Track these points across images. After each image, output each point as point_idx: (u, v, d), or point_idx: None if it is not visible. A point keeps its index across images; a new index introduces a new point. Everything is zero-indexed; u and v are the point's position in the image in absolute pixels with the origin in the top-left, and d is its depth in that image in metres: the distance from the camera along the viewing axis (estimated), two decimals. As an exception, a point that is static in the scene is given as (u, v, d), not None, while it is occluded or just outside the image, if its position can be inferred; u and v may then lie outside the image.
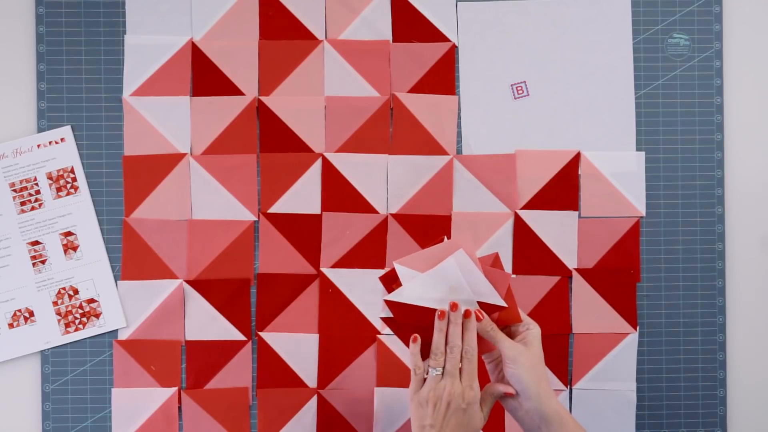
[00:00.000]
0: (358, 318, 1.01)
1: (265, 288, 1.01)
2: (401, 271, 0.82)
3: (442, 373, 0.79)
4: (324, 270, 1.01)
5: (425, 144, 1.02)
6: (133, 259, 1.01)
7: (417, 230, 1.01)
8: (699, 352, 1.03)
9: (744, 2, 1.05)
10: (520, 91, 1.03)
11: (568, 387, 1.02)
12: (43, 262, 1.00)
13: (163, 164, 1.01)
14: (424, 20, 1.03)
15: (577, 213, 1.02)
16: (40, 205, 1.00)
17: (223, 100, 1.01)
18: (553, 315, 1.01)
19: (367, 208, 1.02)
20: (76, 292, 1.00)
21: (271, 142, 1.02)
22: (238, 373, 1.01)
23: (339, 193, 1.02)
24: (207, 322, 1.01)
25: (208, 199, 1.01)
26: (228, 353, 1.01)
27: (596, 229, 1.02)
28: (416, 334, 0.81)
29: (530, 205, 1.02)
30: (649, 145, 1.03)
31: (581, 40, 1.03)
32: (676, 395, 1.03)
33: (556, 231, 1.02)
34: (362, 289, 1.01)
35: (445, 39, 1.03)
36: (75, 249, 1.00)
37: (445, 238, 0.84)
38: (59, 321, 1.00)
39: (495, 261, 0.84)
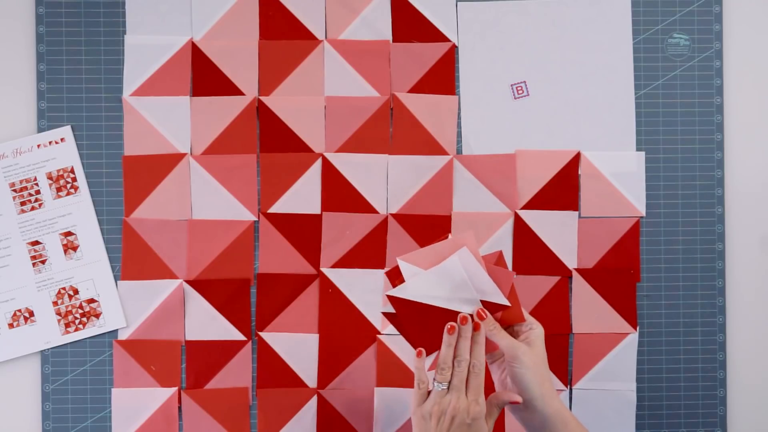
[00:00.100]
0: (358, 318, 1.01)
1: (265, 288, 1.01)
2: (405, 267, 0.82)
3: (448, 388, 0.78)
4: (324, 270, 1.01)
5: (425, 144, 1.02)
6: (133, 259, 1.01)
7: (417, 230, 1.01)
8: (699, 352, 1.03)
9: (744, 2, 1.05)
10: (520, 91, 1.03)
11: (568, 387, 1.02)
12: (43, 262, 1.00)
13: (163, 164, 1.01)
14: (424, 20, 1.03)
15: (577, 213, 1.02)
16: (40, 205, 1.00)
17: (223, 100, 1.01)
18: (553, 315, 1.01)
19: (367, 208, 1.02)
20: (76, 292, 1.00)
21: (271, 142, 1.02)
22: (238, 373, 1.01)
23: (339, 193, 1.02)
24: (207, 322, 1.01)
25: (208, 199, 1.01)
26: (228, 353, 1.01)
27: (596, 229, 1.02)
28: (422, 348, 0.81)
29: (530, 205, 1.02)
30: (649, 145, 1.03)
31: (581, 40, 1.03)
32: (676, 395, 1.03)
33: (556, 231, 1.02)
34: (362, 289, 1.01)
35: (445, 39, 1.03)
36: (75, 249, 1.00)
37: (449, 235, 0.84)
38: (59, 321, 1.00)
39: (499, 259, 0.84)
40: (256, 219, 1.02)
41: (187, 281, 1.01)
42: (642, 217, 1.03)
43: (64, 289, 1.00)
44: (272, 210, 1.01)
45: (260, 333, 1.01)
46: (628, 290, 1.02)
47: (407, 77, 1.02)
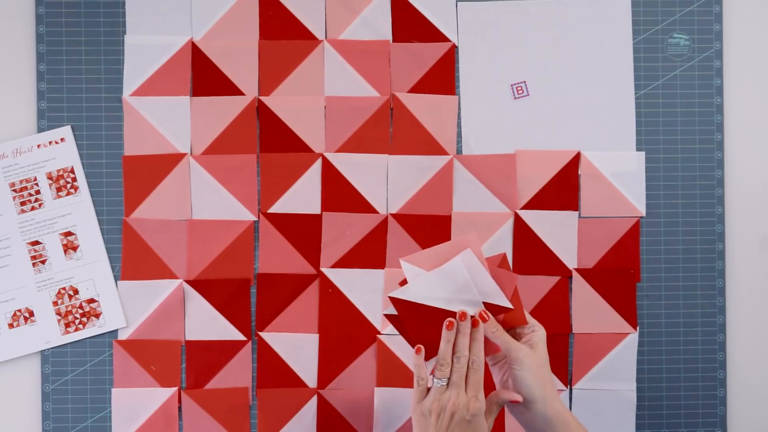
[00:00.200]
0: (358, 318, 1.01)
1: (265, 288, 1.01)
2: (407, 268, 0.82)
3: (447, 384, 0.78)
4: (324, 270, 1.01)
5: (425, 144, 1.02)
6: (133, 259, 1.01)
7: (417, 230, 1.01)
8: (699, 352, 1.03)
9: (744, 2, 1.05)
10: (520, 91, 1.03)
11: (568, 387, 1.02)
12: (43, 262, 1.00)
13: (163, 164, 1.01)
14: (424, 20, 1.03)
15: (577, 213, 1.02)
16: (40, 205, 1.00)
17: (223, 100, 1.01)
18: (553, 315, 1.01)
19: (367, 208, 1.02)
20: (76, 292, 1.00)
21: (271, 142, 1.02)
22: (238, 373, 1.01)
23: (339, 193, 1.02)
24: (207, 322, 1.01)
25: (208, 199, 1.01)
26: (228, 353, 1.01)
27: (596, 229, 1.02)
28: (420, 345, 0.81)
29: (530, 205, 1.02)
30: (649, 145, 1.03)
31: (581, 40, 1.03)
32: (676, 395, 1.03)
33: (556, 231, 1.02)
34: (362, 289, 1.01)
35: (445, 39, 1.03)
36: (75, 249, 1.00)
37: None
38: (59, 321, 1.00)
39: (502, 261, 0.84)
40: (256, 219, 1.02)
41: (187, 281, 1.01)
42: (642, 217, 1.03)
43: (64, 289, 1.00)
44: (272, 210, 1.01)
45: (260, 333, 1.01)
46: (628, 290, 1.02)
47: (407, 77, 1.02)
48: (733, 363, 1.04)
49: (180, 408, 1.00)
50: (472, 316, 0.80)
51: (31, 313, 1.00)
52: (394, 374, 1.00)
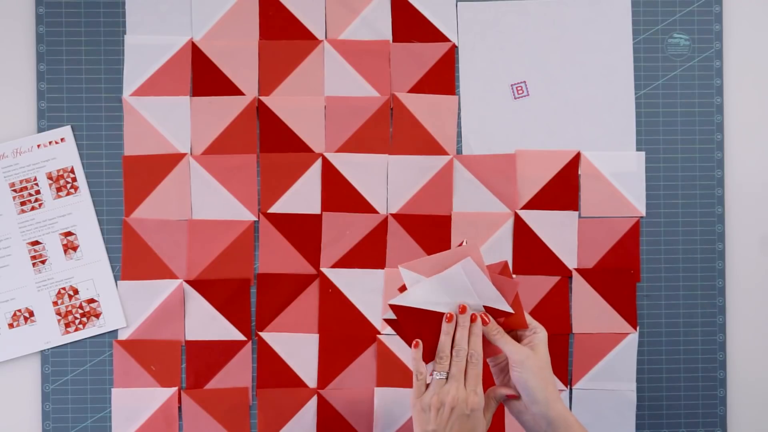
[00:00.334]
0: (358, 318, 1.01)
1: (265, 288, 1.01)
2: (406, 275, 0.81)
3: (447, 378, 0.78)
4: (324, 270, 1.01)
5: (425, 144, 1.02)
6: (133, 259, 1.01)
7: (417, 230, 1.01)
8: (699, 352, 1.03)
9: (744, 2, 1.05)
10: (520, 91, 1.03)
11: (568, 387, 1.02)
12: (43, 262, 1.00)
13: (163, 164, 1.01)
14: (424, 20, 1.03)
15: (577, 213, 1.02)
16: (40, 205, 1.00)
17: (223, 100, 1.01)
18: (553, 315, 1.01)
19: (367, 208, 1.02)
20: (76, 292, 1.00)
21: (271, 142, 1.02)
22: (238, 373, 1.01)
23: (339, 193, 1.02)
24: (207, 322, 1.01)
25: (208, 199, 1.01)
26: (228, 353, 1.01)
27: (596, 229, 1.02)
28: (418, 339, 0.81)
29: (530, 205, 1.02)
30: (649, 145, 1.03)
31: (581, 40, 1.03)
32: (676, 395, 1.03)
33: (556, 231, 1.02)
34: (362, 289, 1.01)
35: (445, 39, 1.03)
36: (75, 249, 1.00)
37: (465, 241, 0.83)
38: (59, 321, 1.00)
39: (504, 269, 0.83)
40: (256, 219, 1.02)
41: (187, 281, 1.01)
42: (642, 217, 1.03)
43: (64, 289, 1.00)
44: (272, 210, 1.01)
45: (260, 333, 1.01)
46: (628, 290, 1.02)
47: (407, 77, 1.02)
48: (733, 363, 1.04)
49: (180, 408, 1.00)
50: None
51: (31, 313, 1.00)
52: (394, 374, 1.00)
